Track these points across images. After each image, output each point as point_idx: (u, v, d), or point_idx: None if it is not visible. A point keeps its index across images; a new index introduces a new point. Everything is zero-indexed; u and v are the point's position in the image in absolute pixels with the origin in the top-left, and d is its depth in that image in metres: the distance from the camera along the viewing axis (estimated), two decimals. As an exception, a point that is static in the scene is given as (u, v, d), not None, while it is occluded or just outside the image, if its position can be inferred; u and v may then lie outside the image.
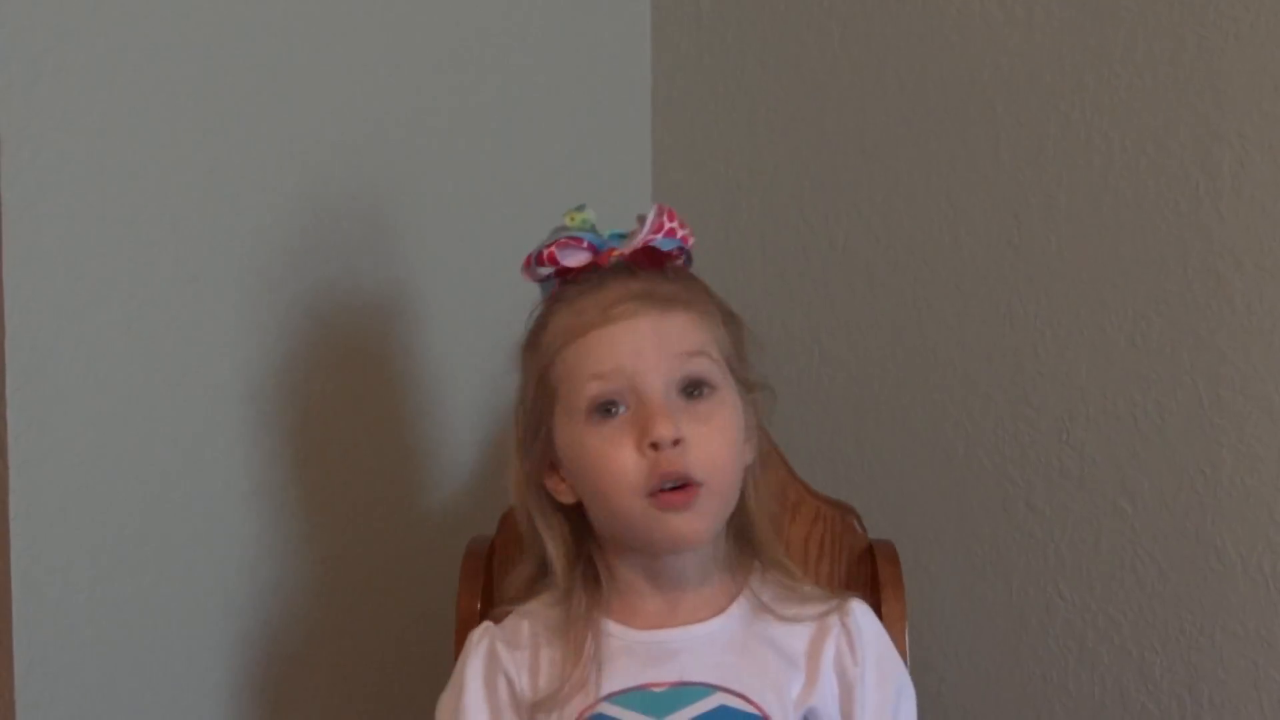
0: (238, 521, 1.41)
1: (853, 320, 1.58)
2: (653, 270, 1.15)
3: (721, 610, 1.16)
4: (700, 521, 1.12)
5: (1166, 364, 1.40)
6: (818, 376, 1.60)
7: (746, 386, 1.18)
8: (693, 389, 1.12)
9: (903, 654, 1.23)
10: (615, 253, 1.15)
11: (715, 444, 1.12)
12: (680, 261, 1.19)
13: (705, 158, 1.66)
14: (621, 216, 1.64)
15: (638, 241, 1.15)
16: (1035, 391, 1.47)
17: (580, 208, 1.18)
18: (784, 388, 1.59)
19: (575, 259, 1.15)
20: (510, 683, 1.16)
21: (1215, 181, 1.35)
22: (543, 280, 1.18)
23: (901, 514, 1.55)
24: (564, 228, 1.17)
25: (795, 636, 1.15)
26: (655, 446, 1.09)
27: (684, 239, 1.17)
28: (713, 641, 1.15)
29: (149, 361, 1.36)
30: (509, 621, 1.18)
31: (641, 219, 1.17)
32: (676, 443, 1.10)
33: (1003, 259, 1.48)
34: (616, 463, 1.10)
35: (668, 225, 1.16)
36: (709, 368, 1.13)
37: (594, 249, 1.15)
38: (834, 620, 1.16)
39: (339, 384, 1.46)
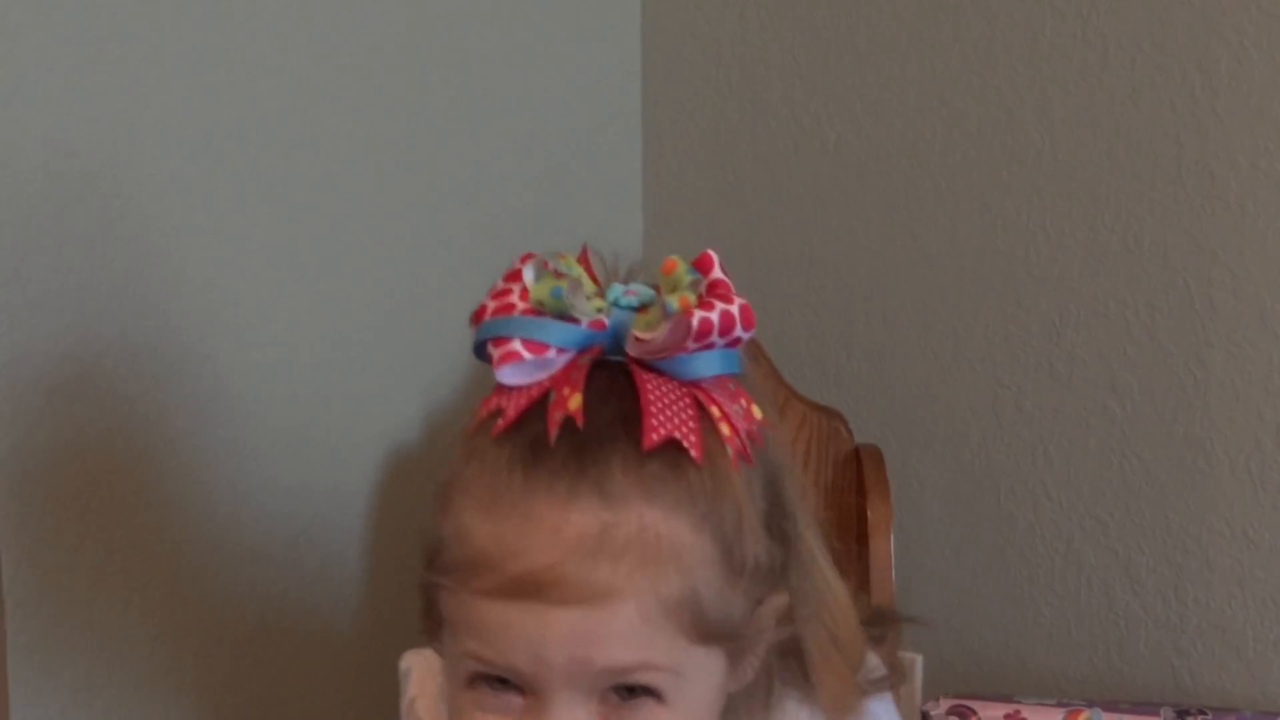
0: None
1: (842, 222, 1.57)
2: (636, 449, 0.74)
3: None
4: None
5: (1159, 265, 1.39)
6: (806, 279, 1.59)
7: (742, 629, 0.80)
8: (626, 693, 0.79)
9: (887, 559, 1.25)
10: (571, 404, 0.73)
11: None
12: (695, 447, 0.75)
13: (696, 57, 1.64)
14: (609, 133, 1.62)
15: (647, 350, 0.74)
16: (1026, 294, 1.46)
17: (562, 263, 0.75)
18: (773, 291, 1.59)
19: (520, 377, 0.74)
20: None
21: (1212, 79, 1.34)
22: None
23: (891, 417, 1.55)
24: (515, 303, 0.75)
25: None
26: None
27: (734, 343, 0.75)
28: None
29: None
30: None
31: (658, 290, 0.75)
32: None
33: (995, 159, 1.46)
34: None
35: (707, 334, 0.73)
36: (654, 676, 0.78)
37: (561, 350, 0.75)
38: None
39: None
